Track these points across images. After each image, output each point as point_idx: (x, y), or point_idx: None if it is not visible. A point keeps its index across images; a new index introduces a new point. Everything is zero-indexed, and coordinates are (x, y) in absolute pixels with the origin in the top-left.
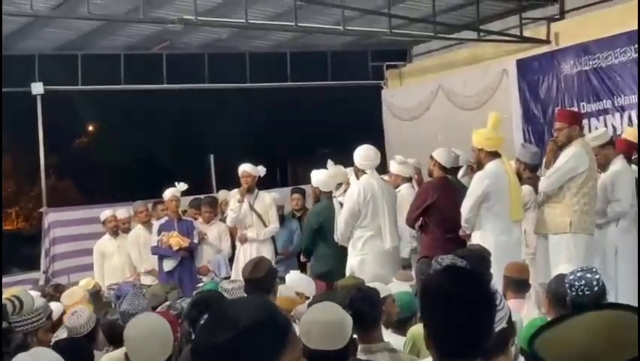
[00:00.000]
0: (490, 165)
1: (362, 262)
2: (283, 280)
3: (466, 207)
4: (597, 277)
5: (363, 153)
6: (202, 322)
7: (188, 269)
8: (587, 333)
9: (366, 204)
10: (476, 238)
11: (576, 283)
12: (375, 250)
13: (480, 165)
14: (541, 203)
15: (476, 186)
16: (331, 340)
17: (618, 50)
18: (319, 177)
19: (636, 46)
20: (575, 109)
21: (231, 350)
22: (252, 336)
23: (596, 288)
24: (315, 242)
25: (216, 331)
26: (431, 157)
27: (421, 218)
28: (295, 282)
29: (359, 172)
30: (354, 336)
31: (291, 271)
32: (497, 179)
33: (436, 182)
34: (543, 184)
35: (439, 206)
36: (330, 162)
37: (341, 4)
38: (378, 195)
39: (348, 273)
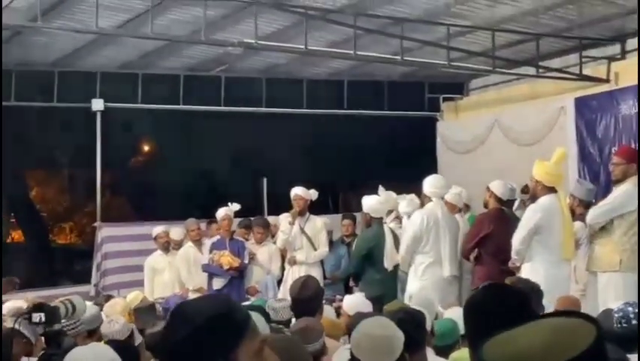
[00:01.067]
0: (545, 199)
1: (421, 288)
2: (329, 303)
3: (517, 239)
4: (635, 310)
5: (434, 181)
6: None
7: (237, 289)
8: (529, 335)
9: (428, 231)
10: (526, 271)
11: (616, 316)
12: (435, 277)
13: (534, 197)
14: (592, 240)
15: (529, 218)
16: (380, 354)
17: None
18: (370, 203)
19: None
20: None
21: (188, 345)
22: (207, 331)
23: (633, 321)
24: (364, 267)
25: (174, 329)
26: (488, 188)
27: (476, 249)
28: (355, 304)
29: (425, 199)
30: (405, 355)
31: (355, 292)
32: (551, 213)
33: (492, 213)
34: (590, 215)
35: (494, 237)
36: (381, 188)
37: (400, 35)
38: (440, 223)
39: (406, 299)
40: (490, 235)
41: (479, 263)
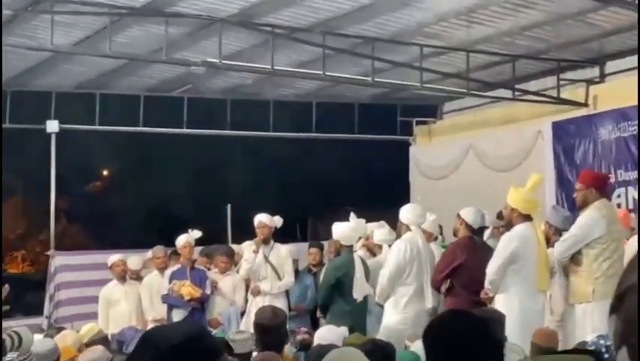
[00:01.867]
0: (520, 228)
1: (402, 321)
2: (293, 335)
3: (492, 268)
4: (608, 343)
5: (412, 210)
6: None
7: (199, 321)
8: None
9: (411, 261)
10: (500, 302)
11: (589, 349)
12: (417, 309)
13: (509, 225)
14: (565, 271)
15: (504, 247)
16: None
17: None
18: (341, 230)
19: None
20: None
21: None
22: (173, 358)
23: (605, 355)
24: (333, 298)
25: (140, 354)
26: (458, 216)
27: (448, 280)
28: (327, 337)
29: (403, 228)
30: None
31: (322, 325)
32: (526, 242)
33: (464, 242)
34: (557, 250)
35: (466, 267)
36: (352, 215)
37: (371, 55)
38: (422, 252)
39: (384, 332)
40: (463, 265)
41: (450, 295)
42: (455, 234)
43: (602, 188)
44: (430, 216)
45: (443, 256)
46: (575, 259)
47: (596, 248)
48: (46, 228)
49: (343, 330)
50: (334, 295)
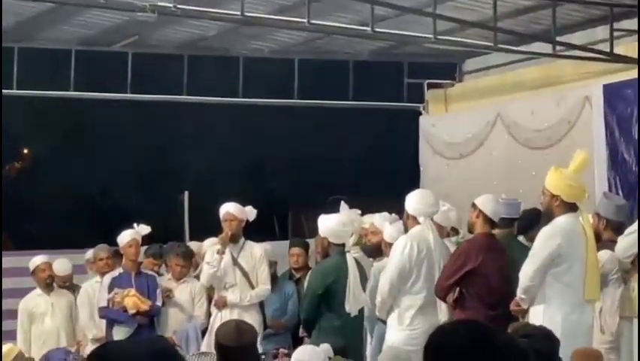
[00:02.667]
0: (563, 220)
1: (409, 340)
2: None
3: (527, 273)
4: None
5: (421, 198)
6: None
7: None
8: None
9: (419, 264)
10: (536, 316)
11: None
12: (428, 324)
13: (549, 217)
14: (626, 276)
15: (543, 245)
16: None
17: None
18: (329, 225)
19: None
20: None
21: None
22: None
23: None
24: (320, 311)
25: None
26: (474, 205)
27: (457, 288)
28: (306, 357)
29: (409, 220)
30: None
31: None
32: (571, 239)
33: (480, 241)
34: (620, 246)
35: (482, 273)
36: (343, 205)
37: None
38: (434, 251)
39: (387, 353)
40: (477, 270)
41: (460, 307)
42: (471, 229)
43: None
44: (444, 206)
45: (453, 257)
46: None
47: None
48: None
49: (326, 349)
50: (321, 307)
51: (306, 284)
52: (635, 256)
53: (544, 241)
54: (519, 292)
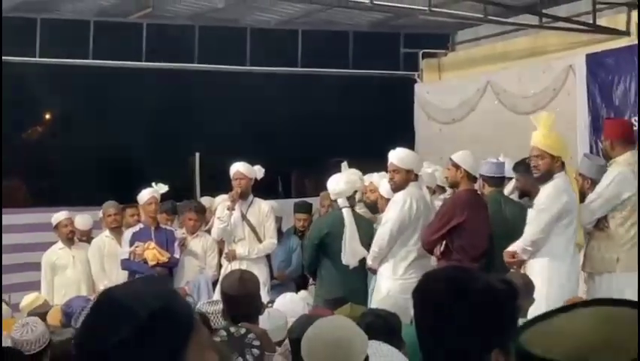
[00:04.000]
0: (563, 178)
1: (404, 287)
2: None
3: (539, 226)
4: None
5: (412, 155)
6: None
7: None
8: (584, 328)
9: (416, 218)
10: (541, 267)
11: None
12: (421, 273)
13: (547, 176)
14: (589, 236)
15: (554, 200)
16: None
17: None
18: (339, 187)
19: None
20: None
21: (128, 348)
22: (155, 327)
23: None
24: (319, 261)
25: (112, 324)
26: (455, 165)
27: (443, 242)
28: (285, 307)
29: (400, 174)
30: None
31: (286, 294)
32: (572, 196)
33: (465, 197)
34: (585, 216)
35: (467, 227)
36: (344, 165)
37: None
38: (430, 208)
39: (379, 298)
40: (463, 224)
41: (446, 259)
42: (453, 186)
43: (629, 138)
44: (429, 168)
45: (439, 212)
46: (598, 222)
47: (625, 210)
48: None
49: (305, 296)
50: (320, 257)
51: (310, 233)
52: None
53: (555, 197)
54: (524, 244)
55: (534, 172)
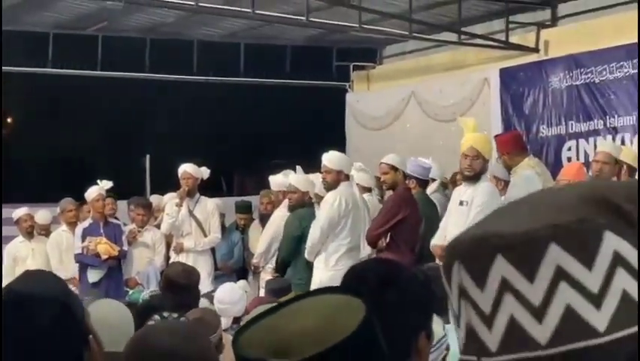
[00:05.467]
0: (488, 180)
1: (333, 278)
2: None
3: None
4: None
5: (342, 157)
6: None
7: (116, 281)
8: (297, 313)
9: (346, 215)
10: None
11: None
12: (351, 264)
13: (479, 176)
14: None
15: (493, 202)
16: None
17: (614, 65)
18: (300, 179)
19: (635, 61)
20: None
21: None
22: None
23: None
24: (297, 251)
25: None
26: (392, 167)
27: (389, 235)
28: (225, 294)
29: (332, 175)
30: None
31: (227, 283)
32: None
33: (406, 195)
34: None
35: (409, 222)
36: (299, 169)
37: None
38: (359, 205)
39: (313, 287)
40: (405, 219)
41: (389, 251)
42: (391, 187)
43: (522, 146)
44: (358, 166)
45: (383, 209)
46: None
47: None
48: None
49: (243, 285)
50: (298, 249)
51: (285, 227)
52: None
53: (495, 198)
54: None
55: (466, 172)
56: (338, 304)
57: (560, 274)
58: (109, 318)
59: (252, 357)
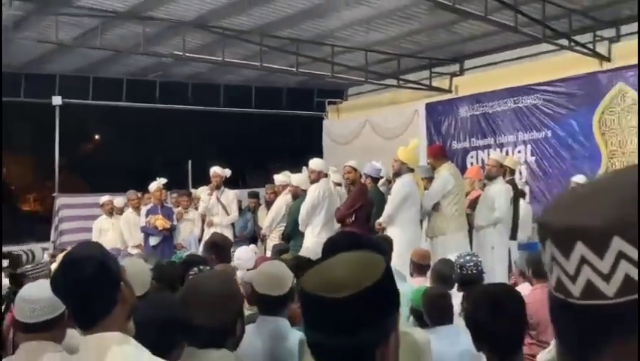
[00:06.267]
0: (408, 176)
1: (319, 243)
2: None
3: (391, 206)
4: (480, 260)
5: (320, 163)
6: None
7: (169, 245)
8: (340, 266)
9: (323, 200)
10: (393, 233)
11: (467, 264)
12: (328, 235)
13: (398, 175)
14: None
15: (399, 190)
16: (274, 286)
17: (501, 101)
18: (301, 178)
19: (513, 98)
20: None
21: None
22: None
23: (480, 267)
24: (296, 228)
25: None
26: (354, 169)
27: (354, 215)
28: (241, 253)
29: (314, 175)
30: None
31: (243, 247)
32: (414, 187)
33: (364, 188)
34: (426, 201)
35: (367, 206)
36: (304, 168)
37: (296, 52)
38: (333, 194)
39: (305, 251)
40: (365, 204)
41: (353, 225)
42: (353, 183)
43: (443, 154)
44: (333, 172)
45: (350, 197)
46: (434, 205)
47: (449, 197)
48: (51, 177)
49: (253, 248)
50: (297, 227)
51: (293, 210)
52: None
53: (401, 187)
54: (383, 218)
55: (393, 171)
56: (366, 258)
57: (621, 256)
58: (135, 271)
59: (311, 292)
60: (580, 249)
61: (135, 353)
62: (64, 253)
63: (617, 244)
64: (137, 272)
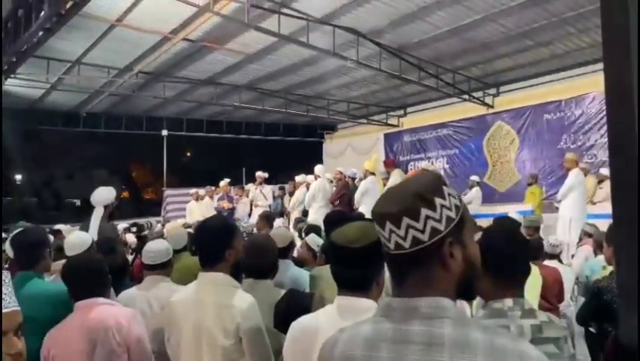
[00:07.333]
0: (370, 180)
1: (317, 220)
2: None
3: (358, 194)
4: None
5: (323, 168)
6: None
7: (230, 219)
8: (351, 229)
9: (321, 191)
10: (361, 210)
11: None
12: (325, 212)
13: (363, 178)
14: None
15: (367, 186)
16: (279, 242)
17: (428, 132)
18: (318, 172)
19: (436, 130)
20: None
21: (212, 238)
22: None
23: None
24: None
25: (204, 231)
26: (340, 172)
27: (339, 199)
28: (277, 223)
29: (317, 177)
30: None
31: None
32: (375, 184)
33: (346, 185)
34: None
35: (346, 195)
36: (315, 169)
37: (306, 103)
38: (327, 187)
39: (309, 221)
40: (346, 194)
41: (340, 206)
42: (340, 181)
43: (395, 164)
44: (328, 175)
45: (338, 189)
46: None
47: None
48: (161, 178)
49: (281, 221)
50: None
51: (292, 199)
52: None
53: (369, 186)
54: (357, 203)
55: (362, 175)
56: (367, 226)
57: (409, 227)
58: (178, 233)
59: (337, 243)
60: (388, 225)
61: (231, 291)
62: (170, 223)
63: (406, 221)
64: (180, 233)
